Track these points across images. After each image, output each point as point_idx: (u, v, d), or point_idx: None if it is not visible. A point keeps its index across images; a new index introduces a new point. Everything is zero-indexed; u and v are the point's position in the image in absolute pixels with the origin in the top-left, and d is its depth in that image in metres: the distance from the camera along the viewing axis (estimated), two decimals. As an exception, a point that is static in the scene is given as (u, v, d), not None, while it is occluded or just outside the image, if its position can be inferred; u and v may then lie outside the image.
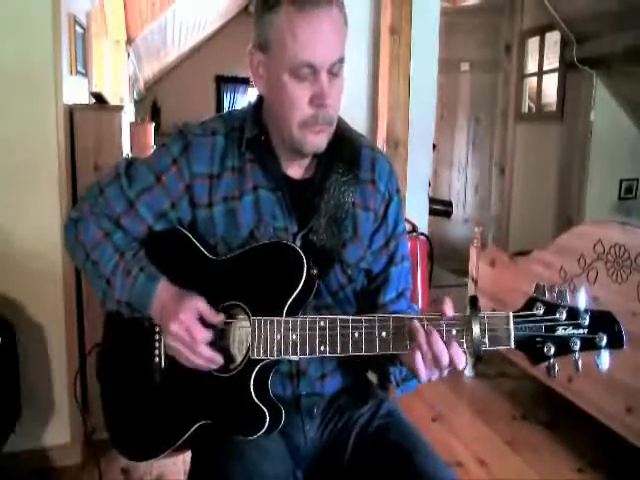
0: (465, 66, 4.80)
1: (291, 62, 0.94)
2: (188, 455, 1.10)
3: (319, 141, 1.01)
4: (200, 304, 0.99)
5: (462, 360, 0.89)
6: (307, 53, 0.93)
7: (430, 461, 1.01)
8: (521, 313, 0.87)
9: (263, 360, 0.98)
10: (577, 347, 0.85)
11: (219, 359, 0.99)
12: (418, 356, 0.89)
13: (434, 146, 3.46)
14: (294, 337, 0.95)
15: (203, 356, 0.98)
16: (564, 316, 0.86)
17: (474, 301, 0.89)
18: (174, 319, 0.97)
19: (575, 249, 2.27)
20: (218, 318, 1.00)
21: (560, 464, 2.23)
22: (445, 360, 0.88)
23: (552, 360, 0.86)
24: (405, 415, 1.15)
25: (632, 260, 2.02)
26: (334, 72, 0.97)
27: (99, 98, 2.54)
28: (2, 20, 1.87)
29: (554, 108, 4.33)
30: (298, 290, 0.97)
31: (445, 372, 0.92)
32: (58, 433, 2.11)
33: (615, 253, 2.10)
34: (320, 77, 0.95)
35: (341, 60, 0.97)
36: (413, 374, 0.94)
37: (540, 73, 4.47)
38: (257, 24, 0.98)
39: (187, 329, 0.96)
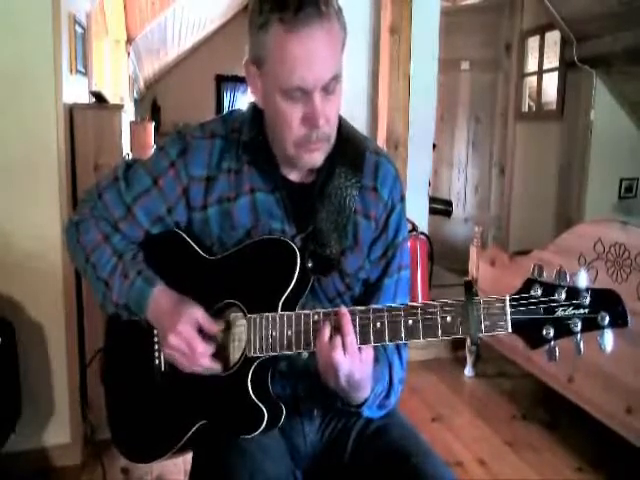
0: (465, 65, 4.79)
1: (281, 84, 0.92)
2: (189, 455, 1.10)
3: (314, 159, 1.00)
4: (198, 314, 0.99)
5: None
6: (296, 77, 0.90)
7: (429, 461, 1.01)
8: (518, 296, 0.84)
9: (260, 357, 0.97)
10: (578, 328, 0.81)
11: (217, 367, 0.99)
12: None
13: (434, 146, 3.46)
14: (289, 333, 0.94)
15: (203, 367, 0.98)
16: (563, 296, 0.81)
17: (469, 286, 0.87)
18: (173, 331, 0.97)
19: (575, 248, 2.27)
20: (216, 328, 1.00)
21: (560, 464, 2.23)
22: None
23: (552, 343, 0.82)
24: (404, 416, 1.15)
25: (632, 259, 2.02)
26: (329, 90, 0.94)
27: (99, 97, 2.54)
28: (2, 20, 1.87)
29: (554, 107, 4.33)
30: (292, 285, 0.96)
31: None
32: (58, 433, 2.10)
33: (615, 252, 2.09)
34: (312, 98, 0.92)
35: (336, 77, 0.94)
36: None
37: (540, 72, 4.47)
38: (250, 39, 0.96)
39: (187, 342, 0.97)
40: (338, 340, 0.89)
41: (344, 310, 0.90)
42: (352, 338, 0.89)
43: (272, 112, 0.98)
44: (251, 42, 0.96)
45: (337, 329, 0.90)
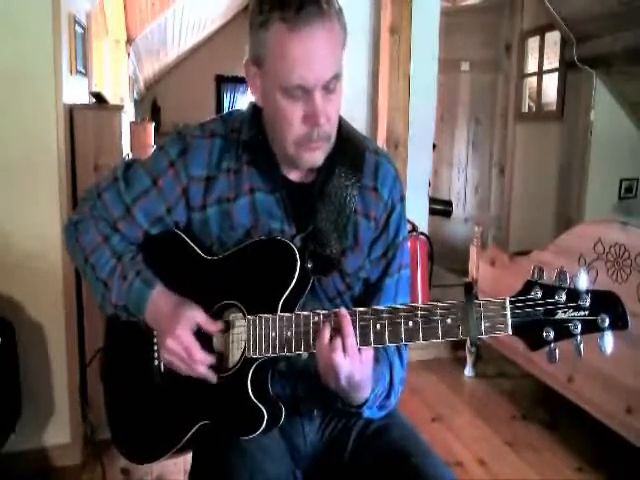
0: (465, 66, 4.79)
1: (282, 83, 0.92)
2: (189, 455, 1.10)
3: (315, 158, 1.00)
4: (197, 315, 0.98)
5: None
6: (297, 75, 0.90)
7: (429, 461, 1.01)
8: (518, 298, 0.84)
9: (259, 358, 0.97)
10: (578, 330, 0.81)
11: (212, 377, 0.99)
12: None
13: (434, 146, 3.46)
14: (289, 334, 0.94)
15: (200, 375, 0.98)
16: (563, 298, 0.82)
17: (469, 288, 0.87)
18: (171, 335, 0.97)
19: (575, 249, 2.26)
20: (216, 327, 1.00)
21: (560, 464, 2.23)
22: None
23: (552, 345, 0.83)
24: (404, 416, 1.15)
25: (632, 260, 2.02)
26: (329, 89, 0.94)
27: (99, 98, 2.54)
28: (2, 20, 1.87)
29: (554, 108, 4.33)
30: (292, 285, 0.96)
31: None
32: (58, 433, 2.10)
33: (615, 253, 2.09)
34: (313, 96, 0.92)
35: (337, 76, 0.94)
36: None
37: (540, 73, 4.47)
38: (250, 38, 0.96)
39: (185, 348, 0.97)
40: (338, 342, 0.89)
41: (344, 311, 0.90)
42: (352, 340, 0.89)
43: (272, 111, 0.98)
44: (251, 41, 0.96)
45: (337, 330, 0.90)
